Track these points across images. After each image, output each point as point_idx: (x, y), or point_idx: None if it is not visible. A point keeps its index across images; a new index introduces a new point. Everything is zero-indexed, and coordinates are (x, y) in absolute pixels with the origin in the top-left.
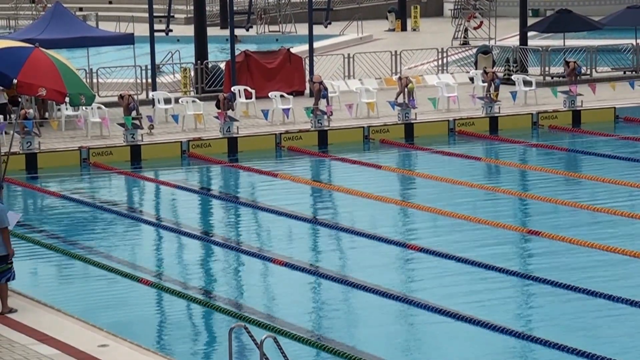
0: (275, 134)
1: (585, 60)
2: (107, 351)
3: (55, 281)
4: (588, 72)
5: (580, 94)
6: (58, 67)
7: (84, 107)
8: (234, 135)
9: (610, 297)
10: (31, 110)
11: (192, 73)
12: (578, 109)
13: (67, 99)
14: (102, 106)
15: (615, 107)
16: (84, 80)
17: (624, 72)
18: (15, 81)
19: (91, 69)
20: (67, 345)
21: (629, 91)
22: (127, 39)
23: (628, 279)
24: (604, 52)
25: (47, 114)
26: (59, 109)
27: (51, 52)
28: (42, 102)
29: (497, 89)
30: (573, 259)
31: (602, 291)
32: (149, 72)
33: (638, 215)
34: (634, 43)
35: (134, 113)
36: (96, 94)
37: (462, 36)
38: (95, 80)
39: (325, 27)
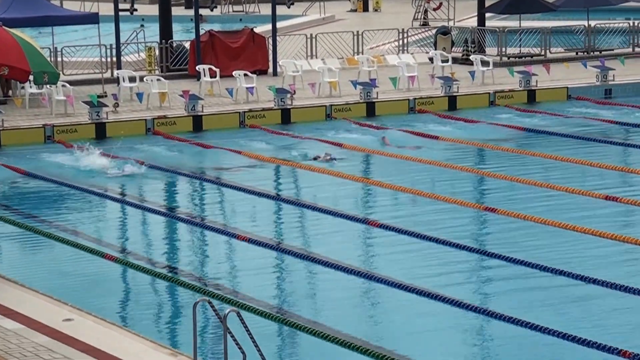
0: (239, 112)
1: (540, 41)
2: (71, 325)
3: (20, 257)
4: (542, 52)
5: (535, 74)
6: (22, 46)
7: (48, 85)
8: (199, 114)
9: (569, 275)
10: None
11: (157, 52)
12: (533, 88)
13: (30, 77)
14: (67, 84)
15: (567, 87)
16: (49, 59)
17: (577, 53)
18: None
19: (56, 48)
20: (31, 319)
21: (582, 71)
22: (92, 18)
23: (581, 255)
24: (557, 33)
25: (10, 92)
26: (22, 87)
27: (15, 31)
28: (6, 80)
29: None
30: (528, 235)
31: (560, 268)
32: (114, 50)
33: (590, 193)
34: (586, 24)
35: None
36: (61, 72)
37: (422, 17)
38: (60, 59)
39: (288, 7)
